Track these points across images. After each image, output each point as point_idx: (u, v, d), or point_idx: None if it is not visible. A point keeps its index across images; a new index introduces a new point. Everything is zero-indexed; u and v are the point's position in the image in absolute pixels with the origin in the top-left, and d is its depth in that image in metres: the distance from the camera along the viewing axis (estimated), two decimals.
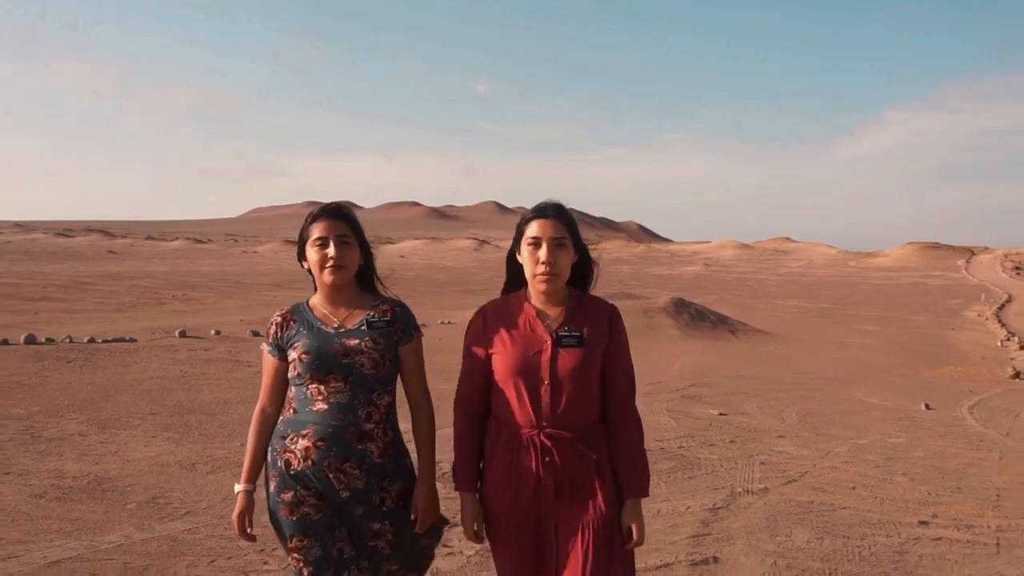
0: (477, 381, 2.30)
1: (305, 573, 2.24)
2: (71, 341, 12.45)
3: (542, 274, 2.24)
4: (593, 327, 2.27)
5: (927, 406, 10.66)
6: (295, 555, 2.24)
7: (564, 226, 2.26)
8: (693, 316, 23.88)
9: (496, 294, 2.43)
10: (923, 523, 4.82)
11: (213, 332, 14.76)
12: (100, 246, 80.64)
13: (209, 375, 9.78)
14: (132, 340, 13.00)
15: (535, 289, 2.29)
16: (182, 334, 14.07)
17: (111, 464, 5.42)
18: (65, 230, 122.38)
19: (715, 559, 4.04)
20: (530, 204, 2.34)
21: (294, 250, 2.43)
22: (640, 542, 2.23)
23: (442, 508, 2.36)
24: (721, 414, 8.76)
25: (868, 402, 11.06)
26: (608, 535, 2.19)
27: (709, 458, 6.41)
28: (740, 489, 5.46)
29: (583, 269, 2.37)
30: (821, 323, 28.53)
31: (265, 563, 3.71)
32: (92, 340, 12.63)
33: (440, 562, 3.72)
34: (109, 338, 13.02)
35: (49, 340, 12.34)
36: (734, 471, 6.01)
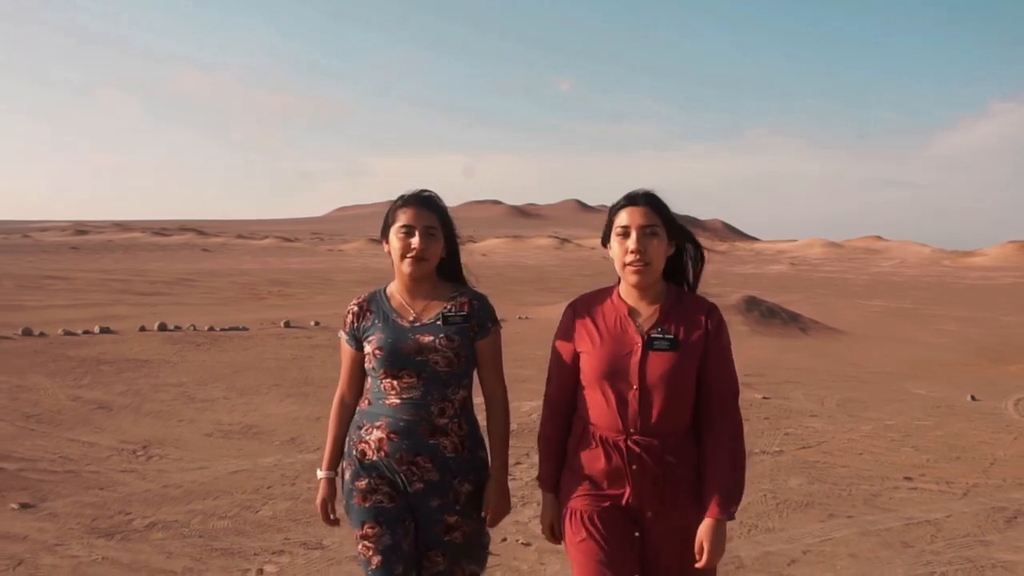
0: (565, 379, 2.20)
1: (374, 562, 2.22)
2: (195, 329, 14.31)
3: (631, 264, 2.09)
4: (689, 328, 2.11)
5: (972, 397, 11.23)
6: (365, 543, 2.24)
7: (656, 214, 2.12)
8: (764, 314, 24.44)
9: (576, 291, 2.36)
10: (908, 478, 5.79)
11: (313, 323, 16.45)
12: (194, 244, 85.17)
13: (315, 358, 11.33)
14: (245, 329, 14.78)
15: (626, 282, 2.16)
16: (287, 324, 15.79)
17: (255, 417, 6.96)
18: (161, 229, 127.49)
19: None
20: (612, 203, 2.22)
21: (379, 249, 2.75)
22: (710, 566, 2.04)
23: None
24: (764, 398, 9.70)
25: (915, 393, 11.72)
26: (693, 550, 2.06)
27: None
28: (758, 451, 6.52)
29: (681, 263, 2.23)
30: (901, 322, 28.39)
31: None
32: (212, 328, 14.47)
33: None
34: (225, 327, 14.84)
35: (177, 327, 14.25)
36: (759, 439, 7.05)
